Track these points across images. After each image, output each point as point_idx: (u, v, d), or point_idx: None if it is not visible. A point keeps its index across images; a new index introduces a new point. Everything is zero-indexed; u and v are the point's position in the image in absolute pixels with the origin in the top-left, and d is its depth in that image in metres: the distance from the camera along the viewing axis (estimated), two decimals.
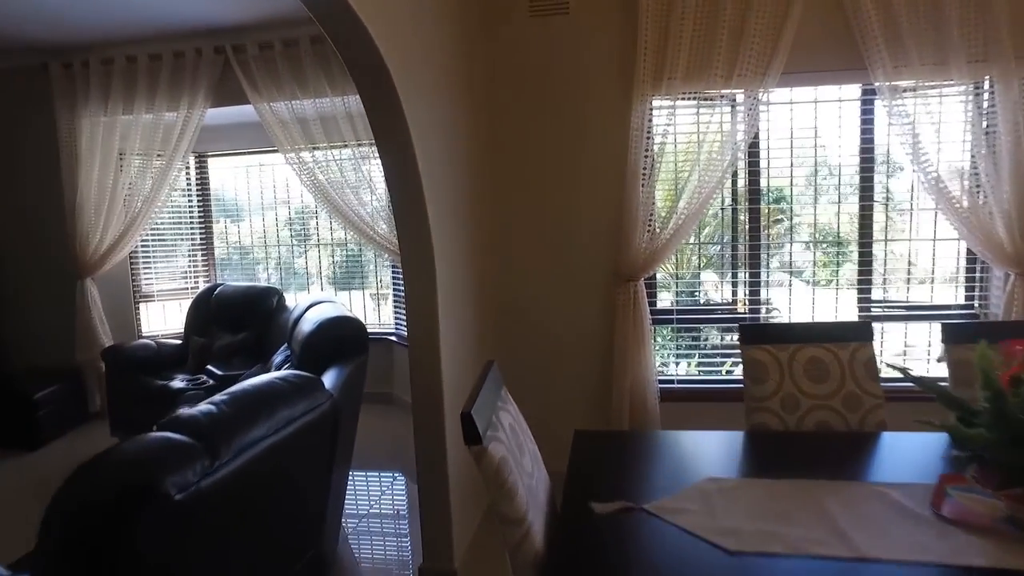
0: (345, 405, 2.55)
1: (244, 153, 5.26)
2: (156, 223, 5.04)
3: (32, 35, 4.31)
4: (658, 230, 3.12)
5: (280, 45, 4.20)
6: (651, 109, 3.11)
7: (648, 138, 3.10)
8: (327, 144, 4.34)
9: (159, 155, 4.63)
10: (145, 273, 5.22)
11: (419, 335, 2.57)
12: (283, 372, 2.26)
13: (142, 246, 5.11)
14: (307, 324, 3.16)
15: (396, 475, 3.98)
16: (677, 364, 3.79)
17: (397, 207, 2.49)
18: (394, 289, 5.00)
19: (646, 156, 3.09)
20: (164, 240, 5.25)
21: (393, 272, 4.96)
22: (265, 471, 1.95)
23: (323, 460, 2.43)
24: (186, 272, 5.37)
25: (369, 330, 5.11)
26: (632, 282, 3.14)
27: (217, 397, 1.92)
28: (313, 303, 3.58)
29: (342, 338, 2.99)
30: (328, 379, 2.54)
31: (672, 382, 3.49)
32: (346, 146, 4.30)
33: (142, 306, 5.20)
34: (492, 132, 3.35)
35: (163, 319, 5.24)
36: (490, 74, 3.32)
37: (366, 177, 4.37)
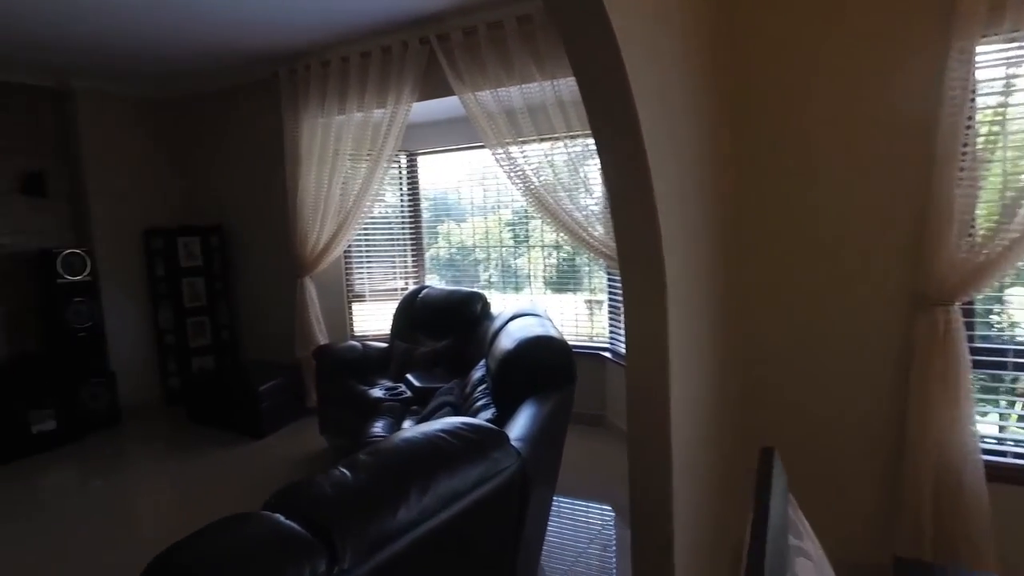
0: (541, 461, 2.03)
1: (455, 150, 5.10)
2: (368, 223, 5.08)
3: (268, 45, 4.52)
4: (990, 232, 2.18)
5: (484, 28, 3.87)
6: (976, 57, 2.18)
7: (972, 100, 2.18)
8: (537, 136, 3.94)
9: (368, 154, 4.61)
10: (357, 272, 5.32)
11: (642, 370, 2.01)
12: (453, 423, 1.74)
13: (355, 245, 5.20)
14: (507, 340, 2.75)
15: (604, 509, 3.49)
16: (1004, 426, 2.63)
17: (618, 212, 1.94)
18: (609, 295, 4.48)
19: (969, 129, 2.17)
20: (375, 240, 5.30)
21: (609, 278, 4.44)
22: (415, 570, 1.44)
23: (506, 536, 1.92)
24: (396, 272, 5.38)
25: (580, 342, 4.72)
26: (943, 307, 2.24)
27: (361, 456, 1.49)
28: (517, 314, 3.18)
29: (543, 364, 2.52)
30: (520, 424, 2.06)
31: (1004, 454, 2.42)
32: (557, 138, 3.85)
33: (354, 306, 5.30)
34: (737, 107, 2.59)
35: (373, 320, 5.29)
36: (735, 27, 2.58)
37: (582, 178, 3.87)
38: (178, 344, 5.65)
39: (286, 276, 5.12)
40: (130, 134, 5.52)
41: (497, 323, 3.19)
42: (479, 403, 2.56)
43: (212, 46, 4.49)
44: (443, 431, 1.65)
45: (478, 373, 3.05)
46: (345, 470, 1.42)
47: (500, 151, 4.00)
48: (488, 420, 2.16)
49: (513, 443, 1.85)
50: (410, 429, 1.65)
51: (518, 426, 2.01)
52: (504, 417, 2.25)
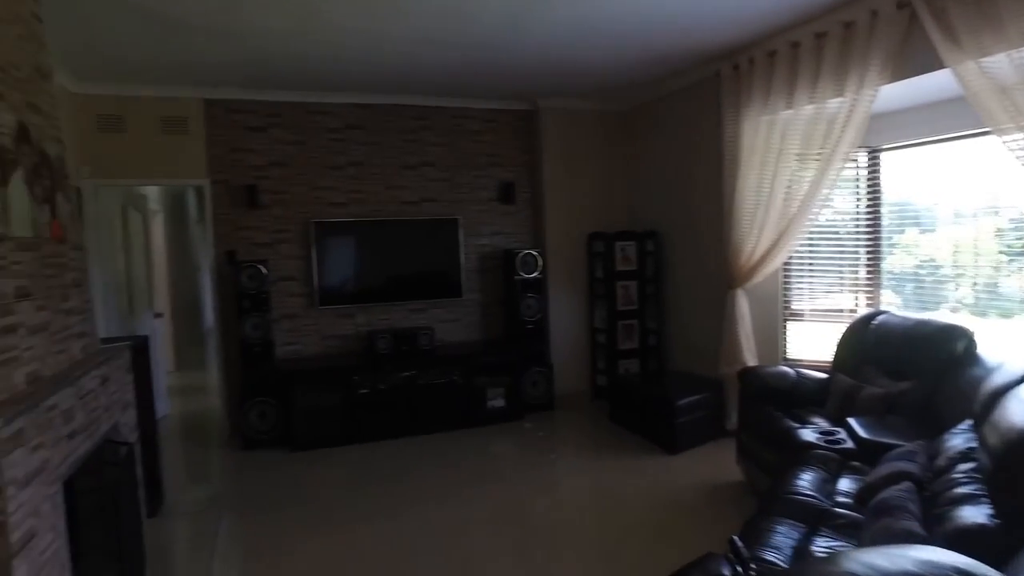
0: None
1: (934, 142, 4.07)
2: (814, 231, 4.45)
3: (713, 42, 4.35)
4: None
5: None
6: None
7: None
8: None
9: (819, 152, 3.99)
10: (796, 288, 4.72)
11: None
12: (939, 563, 1.06)
13: (796, 256, 4.62)
14: (1019, 408, 1.93)
15: None
16: None
17: None
18: None
19: None
20: (820, 251, 4.61)
21: None
22: None
23: None
24: (844, 290, 4.60)
25: None
26: None
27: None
28: None
29: None
30: None
31: None
32: None
33: (789, 325, 4.73)
34: None
35: (811, 344, 4.62)
36: None
37: None
38: (608, 344, 5.97)
39: (716, 286, 4.87)
40: (582, 146, 6.04)
41: (1000, 377, 2.31)
42: (961, 489, 1.84)
43: (660, 52, 4.51)
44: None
45: (958, 440, 2.26)
46: None
47: (1017, 136, 2.96)
48: (977, 526, 1.49)
49: None
50: (855, 557, 1.11)
51: None
52: (1013, 531, 1.52)
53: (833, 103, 3.83)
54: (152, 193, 7.20)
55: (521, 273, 5.63)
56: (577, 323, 6.12)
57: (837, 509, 2.26)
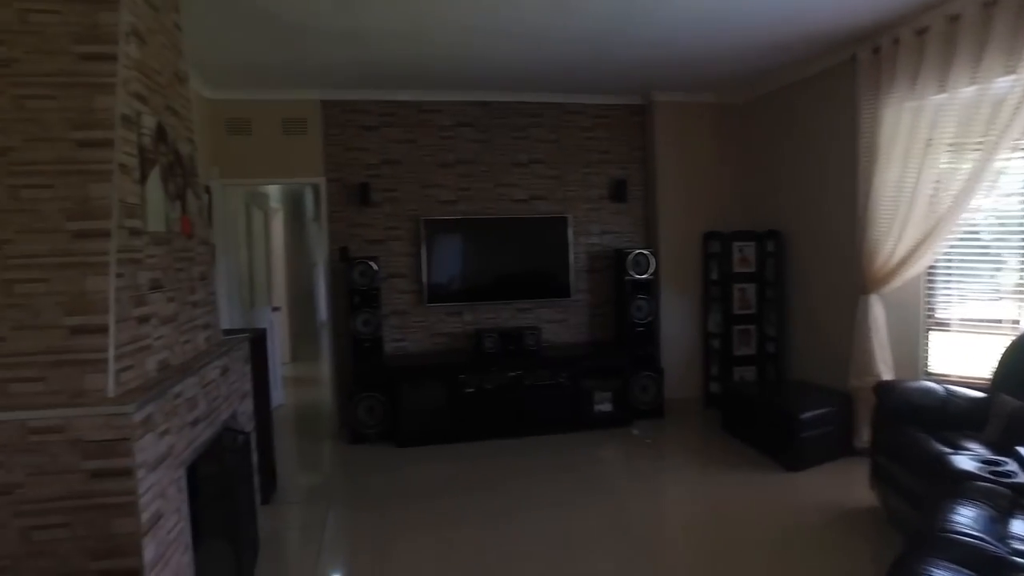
0: None
1: None
2: (967, 231, 3.97)
3: (846, 23, 3.99)
4: None
5: None
6: None
7: None
8: None
9: (979, 141, 3.55)
10: (943, 294, 4.24)
11: None
12: None
13: (943, 260, 4.15)
14: None
15: None
16: None
17: None
18: None
19: None
20: (973, 254, 4.12)
21: None
22: None
23: None
24: (1003, 298, 4.08)
25: None
26: None
27: None
28: None
29: None
30: None
31: None
32: None
33: (933, 336, 4.25)
34: None
35: (961, 358, 4.13)
36: None
37: None
38: (723, 350, 5.66)
39: (847, 291, 4.48)
40: (697, 140, 5.76)
41: None
42: None
43: (787, 38, 4.20)
44: None
45: None
46: None
47: None
48: None
49: None
50: None
51: None
52: None
53: (1002, 83, 3.38)
54: (272, 192, 7.60)
55: (632, 273, 5.44)
56: (689, 327, 5.85)
57: (1015, 558, 1.95)
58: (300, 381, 7.46)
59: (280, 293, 8.19)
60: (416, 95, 5.35)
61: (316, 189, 5.41)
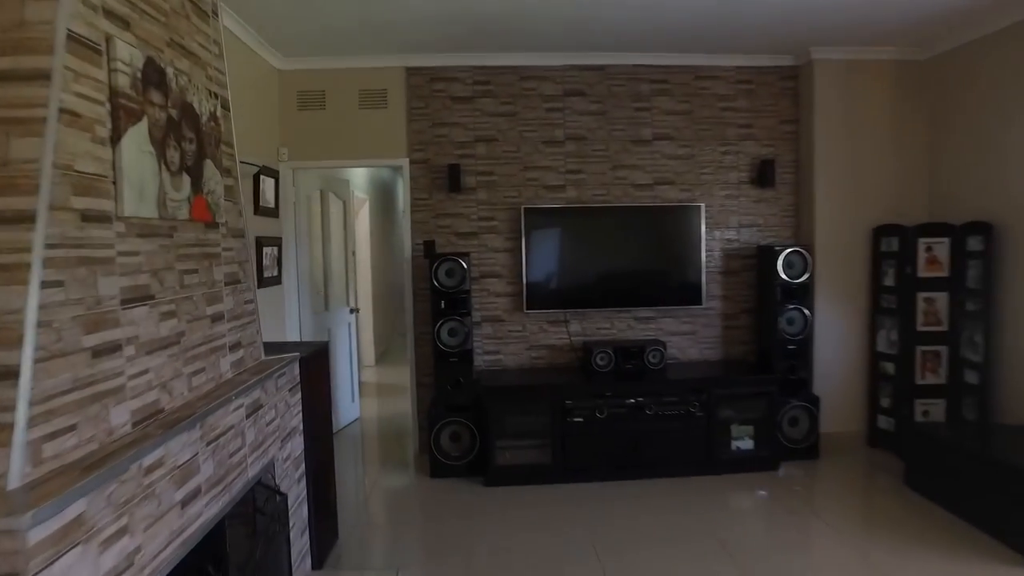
0: None
1: None
2: None
3: None
4: None
5: None
6: None
7: None
8: None
9: None
10: None
11: None
12: None
13: None
14: None
15: None
16: None
17: None
18: None
19: None
20: None
21: None
22: None
23: None
24: None
25: None
26: None
27: None
28: None
29: None
30: None
31: None
32: None
33: None
34: None
35: None
36: None
37: None
38: (899, 376, 4.44)
39: None
40: (869, 109, 4.54)
41: None
42: None
43: None
44: None
45: None
46: None
47: None
48: None
49: None
50: None
51: None
52: None
53: None
54: (358, 179, 6.98)
55: (784, 276, 4.34)
56: (852, 345, 4.65)
57: None
58: (384, 388, 6.81)
59: (366, 291, 7.59)
60: (517, 59, 4.47)
61: (398, 173, 4.66)
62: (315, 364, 2.96)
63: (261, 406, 2.24)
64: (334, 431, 5.14)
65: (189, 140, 1.94)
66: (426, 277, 4.32)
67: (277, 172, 4.32)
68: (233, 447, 1.97)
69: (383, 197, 8.34)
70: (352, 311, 5.49)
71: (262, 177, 4.01)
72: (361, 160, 4.61)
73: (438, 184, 4.53)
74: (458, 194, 4.52)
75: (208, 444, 1.79)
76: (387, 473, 4.44)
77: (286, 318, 4.44)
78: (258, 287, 3.97)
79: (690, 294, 4.59)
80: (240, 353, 2.29)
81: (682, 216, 4.55)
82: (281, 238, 4.36)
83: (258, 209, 3.96)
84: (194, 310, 1.95)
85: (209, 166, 2.08)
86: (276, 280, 4.25)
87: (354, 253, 6.72)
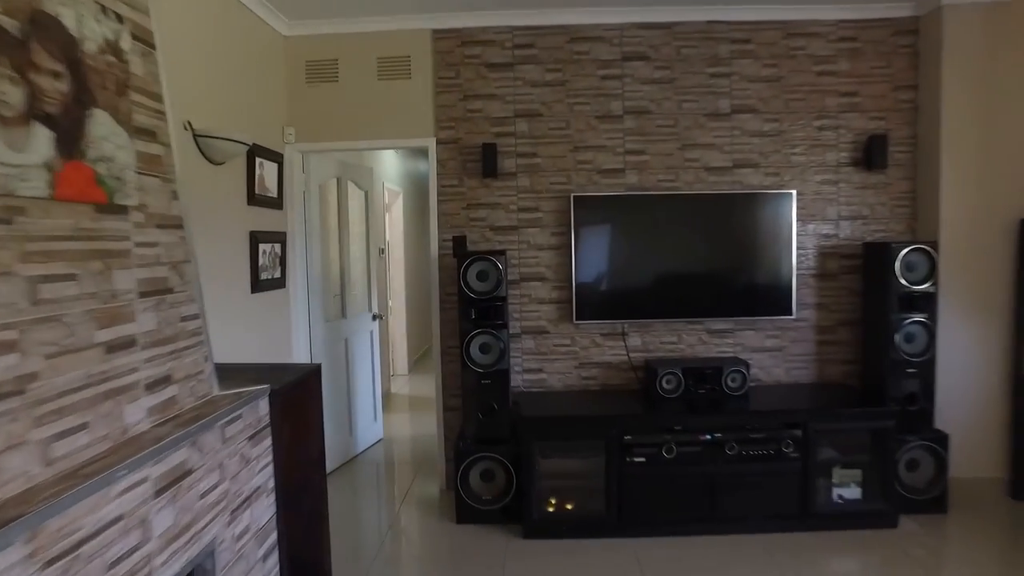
0: None
1: None
2: None
3: None
4: None
5: None
6: None
7: None
8: None
9: None
10: None
11: None
12: None
13: None
14: None
15: None
16: None
17: None
18: None
19: None
20: None
21: None
22: None
23: None
24: None
25: None
26: None
27: None
28: None
29: None
30: None
31: None
32: None
33: None
34: None
35: None
36: None
37: None
38: None
39: None
40: (1018, 67, 3.62)
41: None
42: None
43: None
44: None
45: None
46: None
47: None
48: None
49: None
50: None
51: None
52: None
53: None
54: (391, 170, 6.34)
55: (903, 282, 3.47)
56: (990, 368, 3.72)
57: None
58: (417, 402, 6.14)
59: (399, 294, 6.95)
60: (566, 16, 3.71)
61: (422, 156, 3.96)
62: (297, 395, 2.27)
63: (190, 471, 1.56)
64: (352, 456, 4.51)
65: (53, 75, 1.27)
66: (454, 280, 3.62)
67: (281, 156, 3.68)
68: (118, 550, 1.29)
69: (418, 190, 7.69)
70: (375, 317, 4.83)
71: (260, 161, 3.38)
72: (380, 141, 3.91)
73: (470, 168, 3.81)
74: (494, 180, 3.80)
75: (50, 564, 1.11)
76: (408, 511, 3.75)
77: (292, 327, 3.81)
78: (253, 291, 3.33)
79: (777, 302, 3.75)
80: (169, 393, 1.62)
81: (768, 206, 3.71)
82: (285, 233, 3.72)
83: (253, 198, 3.32)
84: (64, 338, 1.28)
85: (101, 120, 1.40)
86: (278, 283, 3.61)
87: (382, 251, 6.08)
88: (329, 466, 4.18)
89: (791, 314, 3.75)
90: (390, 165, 6.45)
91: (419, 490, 4.04)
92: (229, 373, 2.21)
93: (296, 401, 2.26)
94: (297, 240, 3.83)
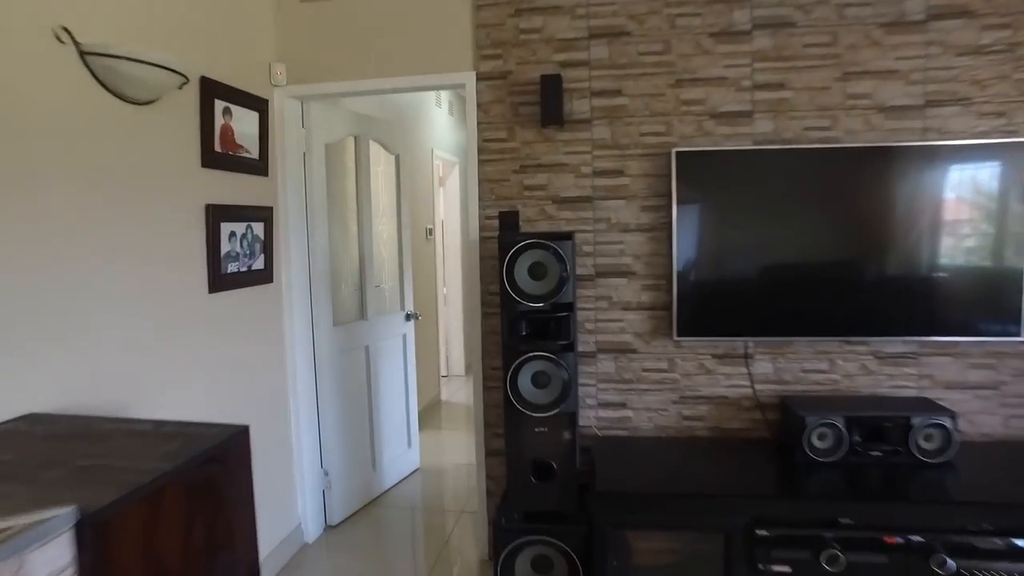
0: None
1: None
2: None
3: None
4: None
5: None
6: None
7: None
8: None
9: None
10: None
11: None
12: None
13: None
14: None
15: None
16: None
17: None
18: None
19: None
20: None
21: None
22: None
23: None
24: None
25: None
26: None
27: None
28: None
29: None
30: None
31: None
32: None
33: None
34: None
35: None
36: None
37: None
38: None
39: None
40: None
41: None
42: None
43: None
44: None
45: None
46: None
47: None
48: None
49: None
50: None
51: None
52: None
53: None
54: (445, 138, 5.29)
55: None
56: None
57: None
58: (471, 413, 5.14)
59: (455, 284, 5.95)
60: None
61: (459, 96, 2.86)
62: (228, 463, 1.26)
63: None
64: (377, 495, 3.53)
65: None
66: (497, 276, 2.54)
67: (265, 103, 2.70)
68: None
69: None
70: (409, 317, 3.82)
71: (224, 106, 2.40)
72: (397, 78, 2.82)
73: (524, 115, 2.70)
74: (559, 131, 2.68)
75: None
76: None
77: (286, 336, 2.85)
78: (212, 291, 2.37)
79: (993, 315, 2.45)
80: None
81: (984, 165, 2.42)
82: (271, 209, 2.75)
83: (211, 158, 2.35)
84: None
85: None
86: (259, 276, 2.64)
87: (430, 232, 5.07)
88: (343, 514, 3.26)
89: (1018, 334, 2.45)
90: (443, 130, 5.41)
91: (455, 553, 3.01)
92: (56, 454, 1.22)
93: (229, 470, 1.25)
94: (291, 218, 2.85)
